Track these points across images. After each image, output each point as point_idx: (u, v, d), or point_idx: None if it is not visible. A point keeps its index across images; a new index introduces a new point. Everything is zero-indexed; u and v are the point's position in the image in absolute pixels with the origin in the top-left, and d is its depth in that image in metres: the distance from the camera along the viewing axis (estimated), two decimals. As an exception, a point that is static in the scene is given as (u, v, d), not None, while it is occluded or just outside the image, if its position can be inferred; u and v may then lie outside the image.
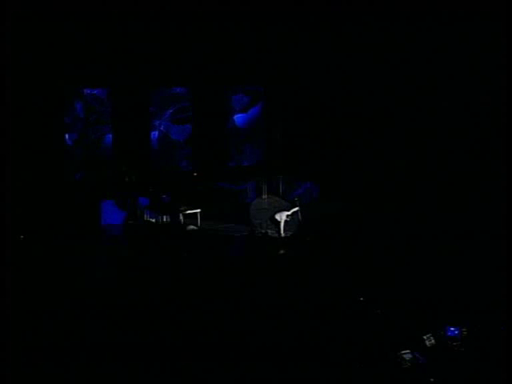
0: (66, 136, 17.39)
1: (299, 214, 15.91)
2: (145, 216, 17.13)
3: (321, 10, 17.67)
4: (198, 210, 16.53)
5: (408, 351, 9.01)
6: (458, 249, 13.24)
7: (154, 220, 16.92)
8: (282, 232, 15.25)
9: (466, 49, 16.70)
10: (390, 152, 18.17)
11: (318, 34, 18.38)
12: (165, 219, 16.78)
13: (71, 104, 17.44)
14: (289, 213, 15.43)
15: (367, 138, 18.66)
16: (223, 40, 17.77)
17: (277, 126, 20.27)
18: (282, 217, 15.33)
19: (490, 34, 15.87)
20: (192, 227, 16.12)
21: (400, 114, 18.21)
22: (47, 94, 16.39)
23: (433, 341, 9.35)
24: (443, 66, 17.23)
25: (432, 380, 8.54)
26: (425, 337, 9.34)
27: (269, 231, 15.47)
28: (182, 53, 17.57)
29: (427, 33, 17.10)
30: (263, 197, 17.41)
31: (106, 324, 10.45)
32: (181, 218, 16.45)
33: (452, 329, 9.53)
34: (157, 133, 18.86)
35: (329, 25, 18.21)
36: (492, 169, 15.81)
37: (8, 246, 9.63)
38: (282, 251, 14.53)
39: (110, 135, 17.87)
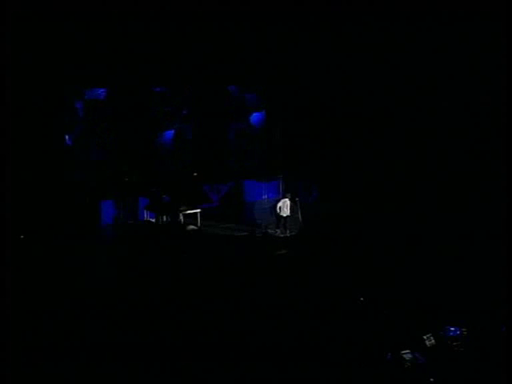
0: (66, 136, 17.37)
1: (299, 214, 15.92)
2: (145, 216, 17.16)
3: (321, 10, 17.68)
4: (198, 210, 16.51)
5: (408, 351, 9.01)
6: (458, 249, 13.24)
7: (153, 220, 16.92)
8: (283, 216, 15.24)
9: (466, 49, 16.70)
10: (390, 152, 18.17)
11: (318, 34, 18.39)
12: (165, 219, 16.77)
13: (71, 104, 17.42)
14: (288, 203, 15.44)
15: (367, 137, 18.66)
16: (223, 40, 17.77)
17: (277, 126, 20.29)
18: (284, 203, 15.32)
19: (490, 34, 15.87)
20: (192, 227, 16.11)
21: (400, 114, 18.20)
22: (47, 94, 16.38)
23: (433, 341, 9.36)
24: (443, 65, 17.22)
25: (432, 380, 8.54)
26: (425, 337, 9.35)
27: (269, 231, 15.47)
28: (182, 53, 17.57)
29: (427, 33, 17.10)
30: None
31: (106, 324, 10.46)
32: (181, 217, 16.44)
33: (452, 329, 9.55)
34: (172, 132, 18.92)
35: (329, 25, 18.22)
36: (492, 169, 15.80)
37: (8, 245, 9.63)
38: (282, 251, 14.53)
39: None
